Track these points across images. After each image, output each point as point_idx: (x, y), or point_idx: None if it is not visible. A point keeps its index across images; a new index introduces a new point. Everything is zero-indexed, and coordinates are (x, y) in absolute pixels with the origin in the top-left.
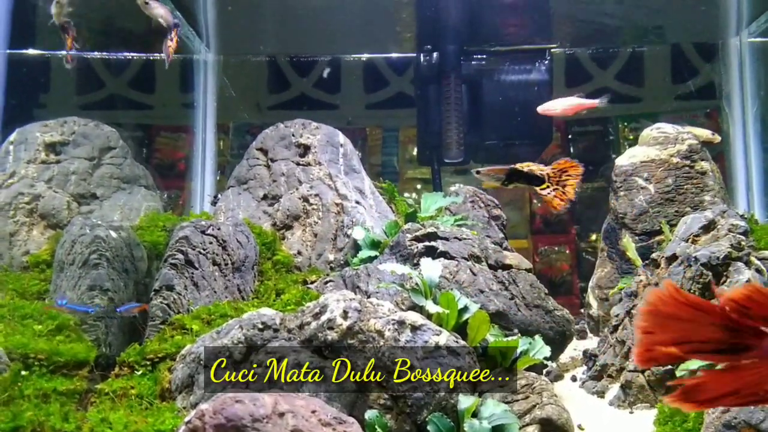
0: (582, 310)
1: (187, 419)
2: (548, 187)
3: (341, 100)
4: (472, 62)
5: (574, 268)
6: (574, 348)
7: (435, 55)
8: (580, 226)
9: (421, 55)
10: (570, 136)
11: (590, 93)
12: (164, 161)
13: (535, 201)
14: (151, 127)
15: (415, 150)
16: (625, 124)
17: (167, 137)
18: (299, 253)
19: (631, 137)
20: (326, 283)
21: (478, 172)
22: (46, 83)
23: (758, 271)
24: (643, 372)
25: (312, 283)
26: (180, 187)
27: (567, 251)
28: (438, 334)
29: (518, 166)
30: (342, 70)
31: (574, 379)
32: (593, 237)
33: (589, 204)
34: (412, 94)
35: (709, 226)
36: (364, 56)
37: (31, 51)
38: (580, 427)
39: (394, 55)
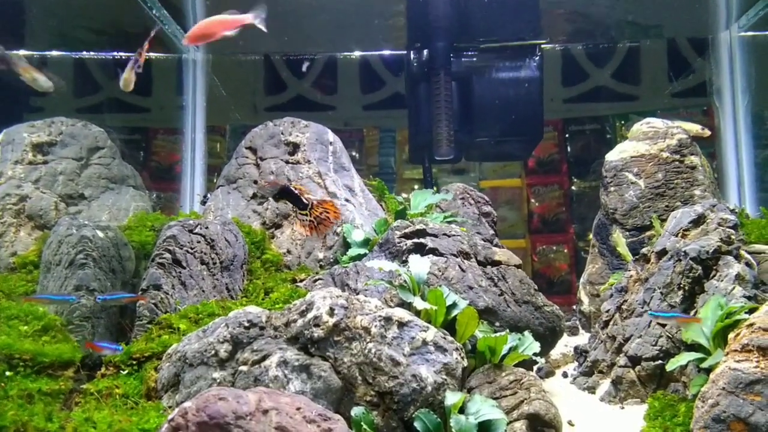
0: (574, 307)
1: (170, 417)
2: (308, 214)
3: (338, 102)
4: (462, 59)
5: (572, 267)
6: (565, 344)
7: (425, 52)
8: (579, 225)
9: (411, 52)
10: (567, 135)
11: (587, 92)
12: (161, 164)
13: (532, 200)
14: (148, 130)
15: None
16: (622, 122)
17: (164, 140)
18: (288, 251)
19: (628, 135)
20: (315, 281)
21: (255, 182)
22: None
23: (748, 264)
24: (633, 367)
25: (301, 281)
26: (177, 190)
27: (565, 250)
28: (425, 330)
29: (293, 186)
30: (338, 72)
31: (565, 375)
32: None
33: (587, 203)
34: None
35: (698, 221)
36: (356, 53)
37: (22, 52)
38: (570, 422)
39: (387, 52)
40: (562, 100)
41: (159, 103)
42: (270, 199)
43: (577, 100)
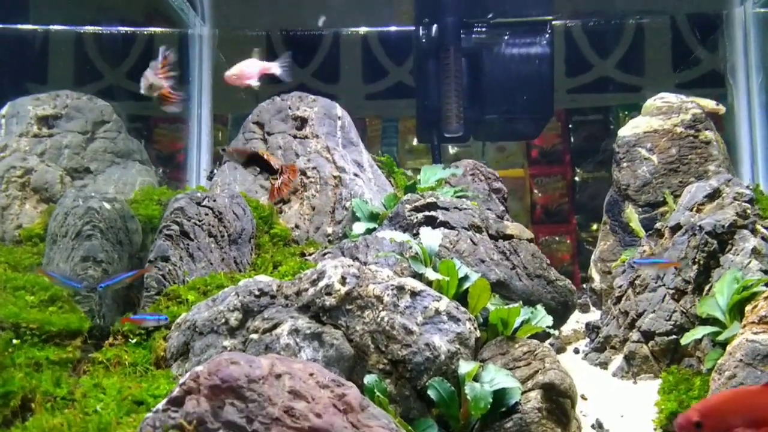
0: (584, 285)
1: (181, 381)
2: (278, 179)
3: (340, 91)
4: (472, 35)
5: (575, 258)
6: (577, 321)
7: (434, 28)
8: (582, 216)
9: (420, 28)
10: (570, 126)
11: (590, 82)
12: (163, 152)
13: (535, 191)
14: (150, 118)
15: (415, 140)
16: (626, 113)
17: (166, 128)
18: (297, 226)
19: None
20: (324, 254)
21: (224, 150)
22: (43, 74)
23: (764, 239)
24: (647, 343)
25: (310, 255)
26: (179, 179)
27: (568, 241)
28: (438, 300)
29: (260, 152)
30: (340, 61)
31: (576, 351)
32: (594, 227)
33: (590, 193)
34: (411, 85)
35: (713, 195)
36: (362, 29)
37: (25, 26)
38: (583, 397)
39: (393, 28)
40: (565, 91)
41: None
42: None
43: (581, 91)
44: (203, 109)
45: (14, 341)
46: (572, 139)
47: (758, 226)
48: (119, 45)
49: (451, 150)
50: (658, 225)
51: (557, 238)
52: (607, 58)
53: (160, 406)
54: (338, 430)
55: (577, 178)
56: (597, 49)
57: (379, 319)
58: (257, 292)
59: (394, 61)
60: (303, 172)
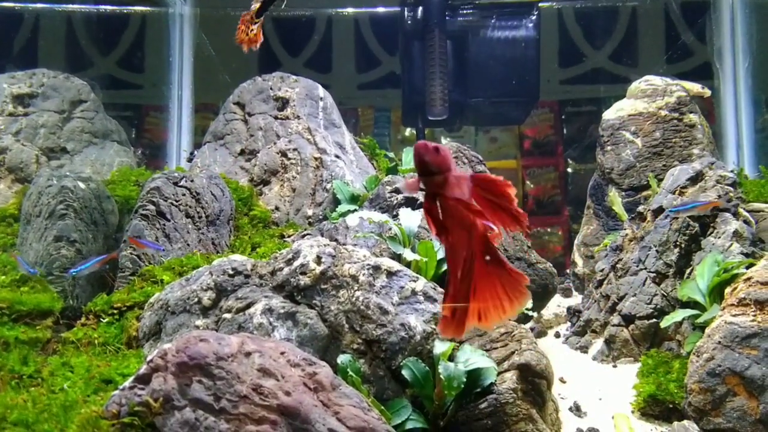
0: (567, 270)
1: (149, 358)
2: None
3: (333, 80)
4: (458, 17)
5: (566, 250)
6: (558, 305)
7: (419, 9)
8: (573, 208)
9: (405, 9)
10: (563, 117)
11: (583, 73)
12: (154, 141)
13: (528, 182)
14: (141, 107)
15: (408, 130)
16: None
17: (156, 117)
18: (277, 208)
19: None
20: (303, 236)
21: None
22: (33, 62)
23: (746, 222)
24: (627, 326)
25: (289, 236)
26: (160, 166)
27: (560, 233)
28: (415, 281)
29: None
30: (333, 50)
31: (557, 335)
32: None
33: (582, 185)
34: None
35: (696, 178)
36: (349, 10)
37: (4, 4)
38: (561, 380)
39: (381, 9)
40: (558, 82)
41: (151, 79)
42: (258, 154)
43: (574, 82)
44: (184, 90)
45: None
46: (565, 131)
47: (740, 210)
48: (105, 26)
49: (444, 141)
50: (641, 208)
51: (549, 230)
52: (600, 48)
53: (126, 383)
54: (307, 408)
55: (569, 170)
56: (590, 40)
57: (354, 299)
58: (231, 272)
59: (386, 50)
60: (284, 154)
